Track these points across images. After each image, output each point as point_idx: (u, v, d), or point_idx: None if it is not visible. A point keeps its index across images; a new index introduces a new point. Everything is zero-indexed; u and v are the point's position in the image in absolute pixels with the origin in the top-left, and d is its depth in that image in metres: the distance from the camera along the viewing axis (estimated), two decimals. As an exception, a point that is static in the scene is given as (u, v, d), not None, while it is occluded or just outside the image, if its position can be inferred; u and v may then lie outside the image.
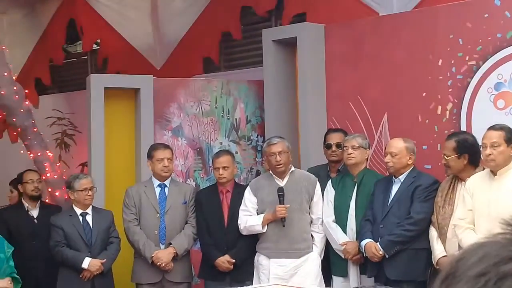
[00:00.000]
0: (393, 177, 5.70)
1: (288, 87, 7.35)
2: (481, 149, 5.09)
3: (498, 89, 6.01)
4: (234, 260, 6.09)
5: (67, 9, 9.84)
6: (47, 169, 8.23)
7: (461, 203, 5.12)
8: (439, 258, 5.34)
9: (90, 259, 6.11)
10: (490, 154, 4.92)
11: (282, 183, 5.97)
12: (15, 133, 8.96)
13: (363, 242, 5.65)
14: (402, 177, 5.65)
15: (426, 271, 5.52)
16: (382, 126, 6.68)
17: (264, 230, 5.94)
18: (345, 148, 6.00)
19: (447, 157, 5.33)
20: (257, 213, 5.99)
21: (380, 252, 5.54)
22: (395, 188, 5.66)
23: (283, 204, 5.82)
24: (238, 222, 6.03)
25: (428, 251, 5.47)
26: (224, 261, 6.09)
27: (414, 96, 6.44)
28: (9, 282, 5.55)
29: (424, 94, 6.40)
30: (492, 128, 5.04)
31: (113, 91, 7.14)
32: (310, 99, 7.04)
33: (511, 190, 4.86)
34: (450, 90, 6.25)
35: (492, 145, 4.92)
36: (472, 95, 6.14)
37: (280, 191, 5.84)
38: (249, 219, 5.98)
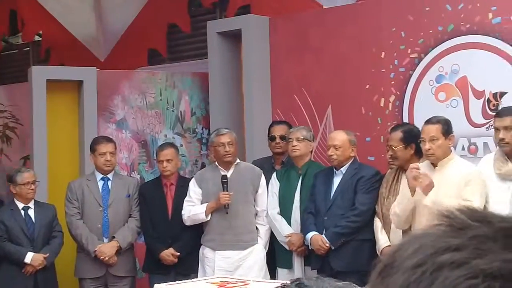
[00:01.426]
0: (334, 169, 5.74)
1: (233, 80, 7.34)
2: (420, 144, 5.14)
3: (439, 82, 6.10)
4: (178, 253, 6.07)
5: (8, -1, 9.67)
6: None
7: (401, 193, 5.16)
8: (383, 248, 5.40)
9: (32, 253, 6.02)
10: (429, 149, 4.98)
11: (227, 175, 5.97)
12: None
13: (309, 235, 5.67)
14: (343, 169, 5.69)
15: (371, 262, 5.55)
16: (327, 118, 6.73)
17: (208, 219, 5.93)
18: (289, 140, 6.02)
19: (395, 147, 5.38)
20: (201, 204, 5.98)
21: (327, 244, 5.58)
22: (337, 180, 5.70)
23: (227, 191, 5.82)
24: (182, 212, 6.01)
25: (372, 242, 5.53)
26: (169, 254, 6.07)
27: (357, 89, 6.50)
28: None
29: (367, 86, 6.46)
30: (429, 122, 5.09)
31: (56, 83, 7.04)
32: (255, 91, 7.05)
33: (451, 180, 4.93)
34: (392, 82, 6.33)
35: (431, 139, 4.98)
36: (414, 87, 6.22)
37: (224, 178, 5.85)
38: (193, 208, 5.97)
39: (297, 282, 1.30)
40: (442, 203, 4.76)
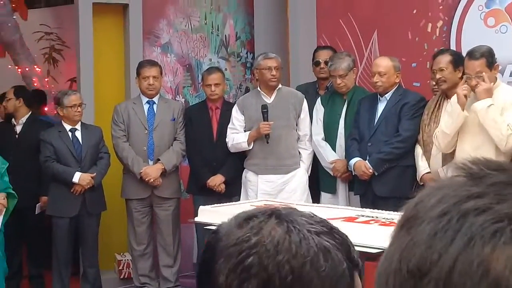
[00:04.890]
0: (379, 95, 5.70)
1: (278, 4, 7.27)
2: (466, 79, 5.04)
3: (488, 7, 5.96)
4: (225, 179, 6.15)
5: None
6: (35, 84, 8.20)
7: (448, 114, 5.11)
8: (423, 175, 5.41)
9: (80, 173, 6.11)
10: (477, 84, 4.89)
11: (269, 100, 5.98)
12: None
13: (352, 161, 5.69)
14: (388, 95, 5.65)
15: (412, 188, 5.58)
16: (372, 43, 6.66)
17: (250, 147, 5.98)
18: (332, 77, 5.96)
19: (445, 69, 5.30)
20: (244, 130, 6.03)
21: (370, 170, 5.59)
22: (381, 106, 5.67)
23: (267, 121, 5.84)
24: (226, 140, 6.07)
25: (415, 169, 5.53)
26: (218, 183, 6.13)
27: (404, 13, 6.39)
28: (3, 198, 5.52)
29: (414, 11, 6.35)
30: (472, 57, 4.94)
31: (102, 6, 7.04)
32: (300, 15, 6.99)
33: (497, 105, 4.87)
34: (440, 7, 6.21)
35: (477, 75, 4.89)
36: (463, 12, 6.09)
37: (264, 108, 5.85)
38: (236, 136, 6.01)
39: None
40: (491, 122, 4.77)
